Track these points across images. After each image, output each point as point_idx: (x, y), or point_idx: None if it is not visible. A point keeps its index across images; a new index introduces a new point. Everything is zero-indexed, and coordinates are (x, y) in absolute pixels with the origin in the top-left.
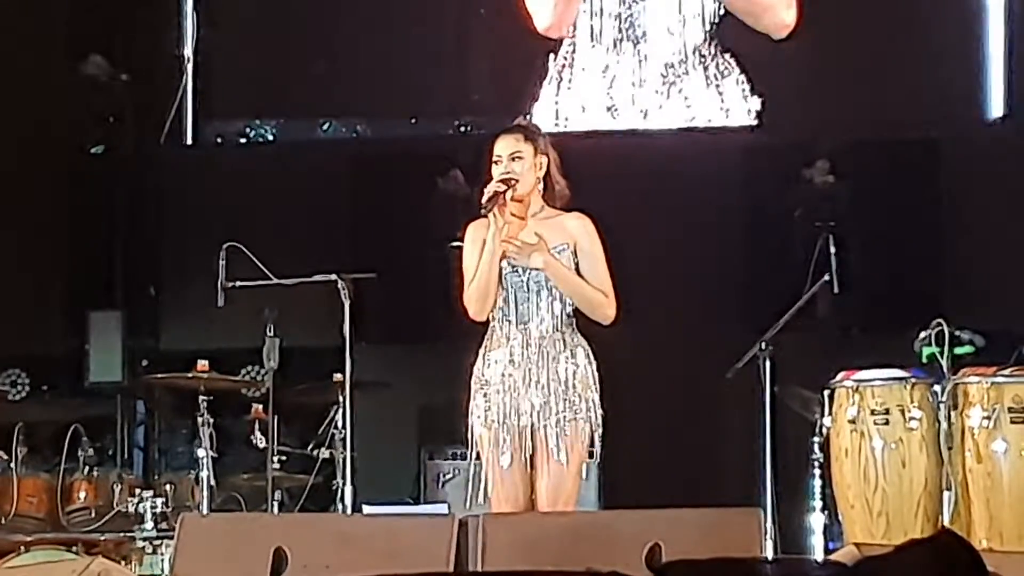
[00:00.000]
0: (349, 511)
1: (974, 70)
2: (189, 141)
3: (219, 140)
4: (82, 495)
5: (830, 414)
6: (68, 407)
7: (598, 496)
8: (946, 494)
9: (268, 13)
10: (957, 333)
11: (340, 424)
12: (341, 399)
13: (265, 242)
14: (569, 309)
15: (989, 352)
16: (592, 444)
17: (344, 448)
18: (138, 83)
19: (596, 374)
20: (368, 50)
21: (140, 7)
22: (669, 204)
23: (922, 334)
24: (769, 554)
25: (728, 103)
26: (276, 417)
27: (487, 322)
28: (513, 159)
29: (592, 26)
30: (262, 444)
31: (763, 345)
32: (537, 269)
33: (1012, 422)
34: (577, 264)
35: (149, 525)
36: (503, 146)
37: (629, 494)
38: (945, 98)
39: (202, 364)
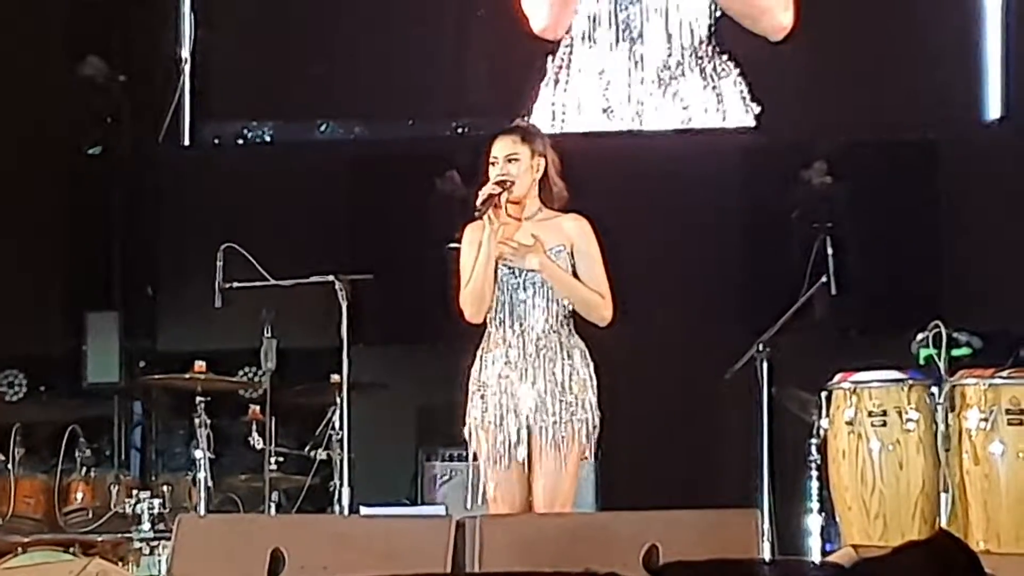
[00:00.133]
0: (346, 512)
1: (972, 72)
2: (187, 142)
3: (216, 141)
4: (79, 496)
5: (827, 415)
6: (65, 408)
7: (595, 497)
8: (943, 496)
9: (265, 15)
10: (955, 335)
11: (337, 425)
12: (338, 400)
13: (263, 243)
14: (566, 310)
15: (987, 354)
16: (589, 445)
17: (341, 449)
18: (136, 84)
19: (593, 375)
20: (365, 52)
21: (137, 8)
22: (667, 205)
23: (919, 336)
24: (766, 555)
25: (725, 105)
26: (273, 418)
27: (484, 324)
28: (509, 161)
29: (588, 28)
30: (259, 445)
31: (761, 346)
32: (533, 271)
33: (1009, 424)
34: (574, 265)
35: (146, 526)
36: (500, 148)
37: (627, 495)
38: (943, 100)
39: (199, 365)
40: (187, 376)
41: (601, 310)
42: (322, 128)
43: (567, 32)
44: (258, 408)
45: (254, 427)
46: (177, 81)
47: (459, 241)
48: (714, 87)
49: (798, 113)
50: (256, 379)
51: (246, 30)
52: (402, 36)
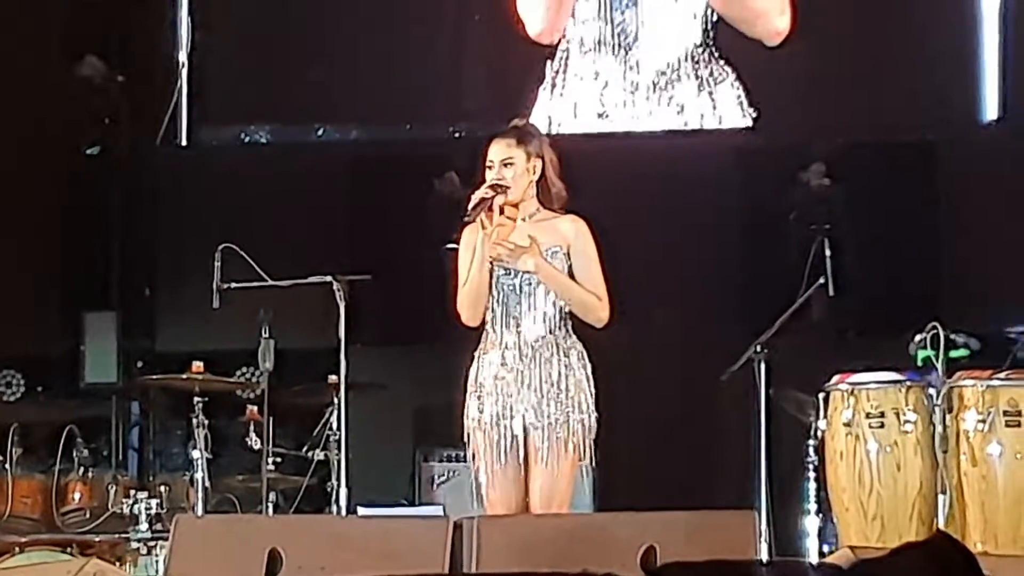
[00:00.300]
0: (344, 513)
1: (969, 73)
2: (184, 143)
3: (214, 143)
4: (77, 496)
5: (825, 417)
6: (63, 408)
7: (593, 498)
8: (941, 497)
9: (262, 19)
10: (952, 336)
11: (335, 426)
12: (336, 401)
13: (261, 243)
14: (562, 312)
15: (984, 355)
16: (586, 446)
17: (339, 450)
18: (134, 84)
19: (590, 376)
20: (362, 56)
21: (136, 9)
22: (665, 206)
23: (917, 337)
24: (764, 556)
25: (723, 107)
26: (271, 419)
27: (482, 325)
28: (505, 165)
29: (584, 32)
30: (257, 446)
31: (758, 348)
32: (529, 272)
33: (1007, 425)
34: (571, 266)
35: (144, 526)
36: (495, 151)
37: (624, 496)
38: (940, 101)
39: (197, 365)
40: (185, 376)
41: (597, 311)
42: (319, 133)
43: (563, 36)
44: (256, 408)
45: (252, 427)
46: (175, 83)
47: (457, 242)
48: (710, 92)
49: (796, 114)
50: (254, 379)
51: (243, 34)
52: (398, 41)
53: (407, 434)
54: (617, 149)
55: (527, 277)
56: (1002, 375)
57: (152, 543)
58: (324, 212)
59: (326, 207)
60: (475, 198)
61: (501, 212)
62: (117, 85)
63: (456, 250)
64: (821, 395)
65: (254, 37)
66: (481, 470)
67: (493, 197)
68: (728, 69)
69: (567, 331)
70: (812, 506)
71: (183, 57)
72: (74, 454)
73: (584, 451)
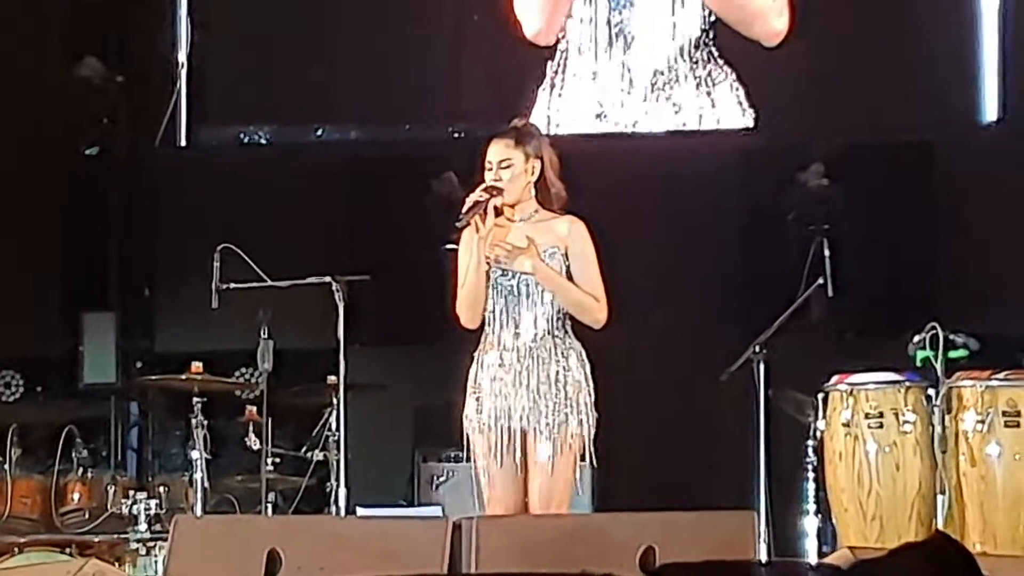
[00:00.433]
0: (343, 513)
1: (968, 73)
2: (183, 143)
3: (213, 143)
4: (76, 496)
5: (824, 417)
6: (62, 408)
7: (592, 499)
8: (940, 498)
9: (261, 19)
10: (951, 337)
11: (334, 426)
12: (335, 401)
13: (259, 244)
14: (560, 313)
15: (983, 356)
16: (585, 447)
17: (338, 450)
18: (133, 85)
19: (589, 377)
20: (361, 57)
21: (135, 9)
22: (664, 207)
23: (916, 338)
24: (763, 557)
25: (722, 107)
26: (270, 419)
27: (482, 325)
28: (502, 167)
29: (582, 32)
30: (256, 446)
31: (757, 348)
32: (526, 273)
33: (1006, 426)
34: (569, 267)
35: (143, 527)
36: (493, 152)
37: (623, 497)
38: (939, 101)
39: (196, 366)
40: (184, 377)
41: (595, 312)
42: (318, 133)
43: (561, 37)
44: (255, 409)
45: (251, 428)
46: (174, 84)
47: (456, 243)
48: (708, 92)
49: (795, 115)
50: (253, 380)
51: (242, 34)
52: (397, 41)
53: (406, 434)
54: (616, 149)
55: (525, 278)
56: (1001, 375)
57: (151, 543)
58: (323, 213)
59: (325, 207)
60: (469, 201)
61: (498, 214)
62: (116, 85)
63: (455, 251)
64: (820, 395)
65: (253, 37)
66: (480, 470)
67: (487, 200)
68: (727, 69)
69: (566, 332)
70: (811, 506)
71: (182, 57)
72: (73, 454)
73: (583, 451)
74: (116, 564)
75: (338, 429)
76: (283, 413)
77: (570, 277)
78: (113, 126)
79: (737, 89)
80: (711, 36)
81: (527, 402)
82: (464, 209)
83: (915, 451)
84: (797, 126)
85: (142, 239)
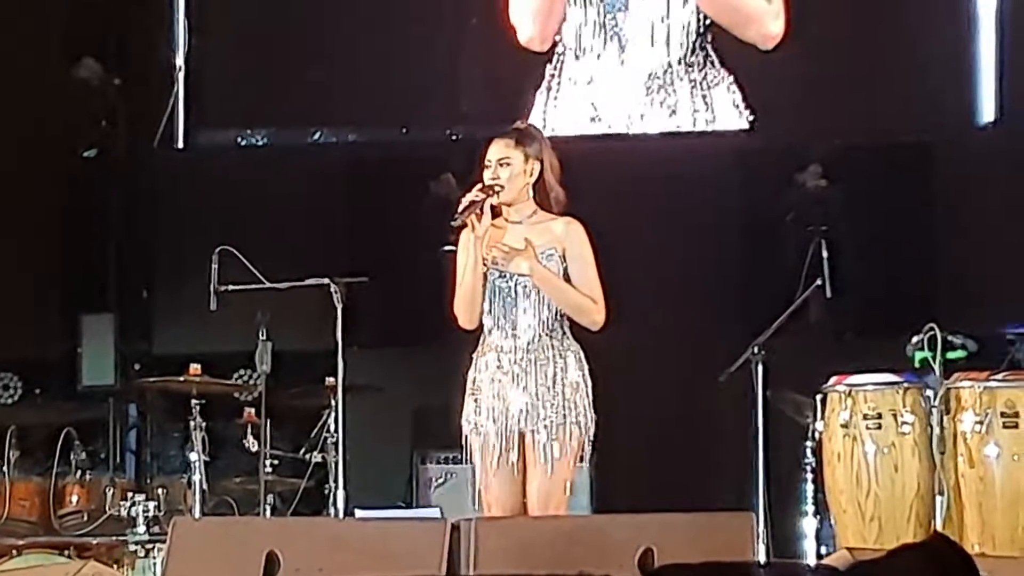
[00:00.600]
0: (341, 515)
1: (965, 75)
2: (181, 145)
3: (211, 146)
4: (74, 499)
5: (823, 418)
6: (60, 410)
7: (590, 500)
8: (938, 499)
9: (259, 21)
10: (950, 338)
11: (332, 428)
12: (333, 403)
13: (258, 246)
14: (558, 314)
15: (982, 357)
16: (583, 448)
17: (336, 452)
18: (131, 87)
19: (588, 378)
20: (359, 59)
21: (133, 11)
22: (662, 209)
23: (915, 339)
24: (761, 558)
25: (719, 109)
26: (268, 421)
27: (480, 326)
28: (501, 164)
29: (578, 36)
30: (254, 448)
31: (756, 349)
32: (523, 275)
33: (1004, 427)
34: (566, 269)
35: (141, 529)
36: (494, 151)
37: (622, 498)
38: (937, 103)
39: (194, 368)
40: (182, 379)
41: (592, 314)
42: (316, 136)
43: (556, 43)
44: (253, 411)
45: (249, 430)
46: (173, 86)
47: (455, 244)
48: (704, 96)
49: (793, 116)
50: (251, 382)
51: (240, 36)
52: (396, 44)
53: (405, 436)
54: (614, 151)
55: (522, 279)
56: (999, 376)
57: (150, 545)
58: (321, 214)
59: (323, 209)
60: (465, 200)
61: (495, 214)
62: (114, 87)
63: (454, 252)
64: (819, 396)
65: (251, 40)
66: (478, 472)
67: (484, 199)
68: (724, 72)
69: (564, 333)
70: (810, 507)
71: (180, 60)
72: (71, 456)
73: (581, 453)
74: (115, 566)
75: (336, 431)
76: (281, 415)
77: (568, 279)
78: (111, 128)
79: (734, 91)
80: (708, 38)
81: (525, 404)
82: (460, 208)
83: (914, 452)
84: (795, 127)
85: (140, 241)
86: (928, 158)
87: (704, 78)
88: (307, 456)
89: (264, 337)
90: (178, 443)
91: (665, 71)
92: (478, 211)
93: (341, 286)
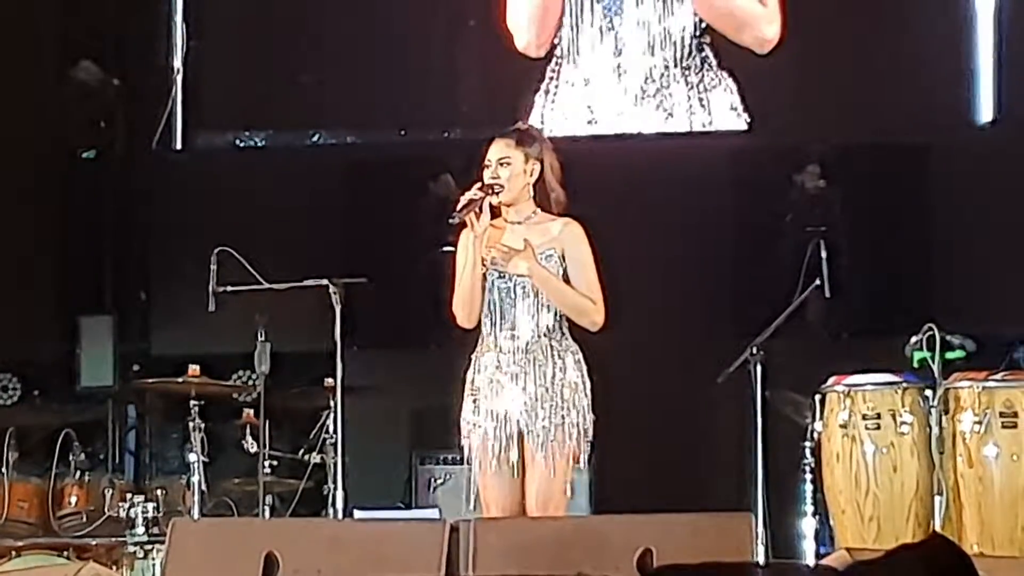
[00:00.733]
0: (340, 516)
1: (964, 75)
2: (179, 147)
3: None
4: (73, 500)
5: (821, 419)
6: (59, 412)
7: (589, 501)
8: (937, 499)
9: (257, 23)
10: (948, 338)
11: (331, 429)
12: (332, 404)
13: (256, 247)
14: (557, 315)
15: (980, 357)
16: (582, 449)
17: (335, 453)
18: (129, 89)
19: (586, 379)
20: (357, 60)
21: (131, 14)
22: (661, 209)
23: (913, 339)
24: (760, 559)
25: (717, 111)
26: (267, 422)
27: (479, 327)
28: (502, 165)
29: (575, 39)
30: (253, 449)
31: (754, 350)
32: (522, 276)
33: (1003, 427)
34: (565, 269)
35: (140, 530)
36: (494, 150)
37: (620, 499)
38: (935, 103)
39: (193, 369)
40: (181, 380)
41: (591, 315)
42: (314, 138)
43: (554, 46)
44: (252, 412)
45: (248, 431)
46: (171, 87)
47: (454, 244)
48: (701, 98)
49: (791, 117)
50: (250, 383)
51: (238, 38)
52: (394, 44)
53: (403, 437)
54: (613, 152)
55: (521, 280)
56: (998, 376)
57: (149, 546)
58: (320, 215)
59: (322, 210)
60: (465, 198)
61: (494, 214)
62: (113, 89)
63: (452, 252)
64: (817, 397)
65: (249, 42)
66: (477, 473)
67: (483, 198)
68: (722, 72)
69: (562, 334)
70: (809, 508)
71: (178, 62)
72: (70, 458)
73: (580, 454)
74: (114, 567)
75: (335, 432)
76: (280, 416)
77: (567, 279)
78: (110, 130)
79: (732, 93)
80: (706, 40)
81: (524, 404)
82: (459, 206)
83: (912, 452)
84: (793, 128)
85: (139, 242)
86: (926, 158)
87: (701, 80)
88: (306, 457)
89: (263, 338)
90: (177, 444)
91: (662, 74)
92: (477, 209)
93: (340, 287)
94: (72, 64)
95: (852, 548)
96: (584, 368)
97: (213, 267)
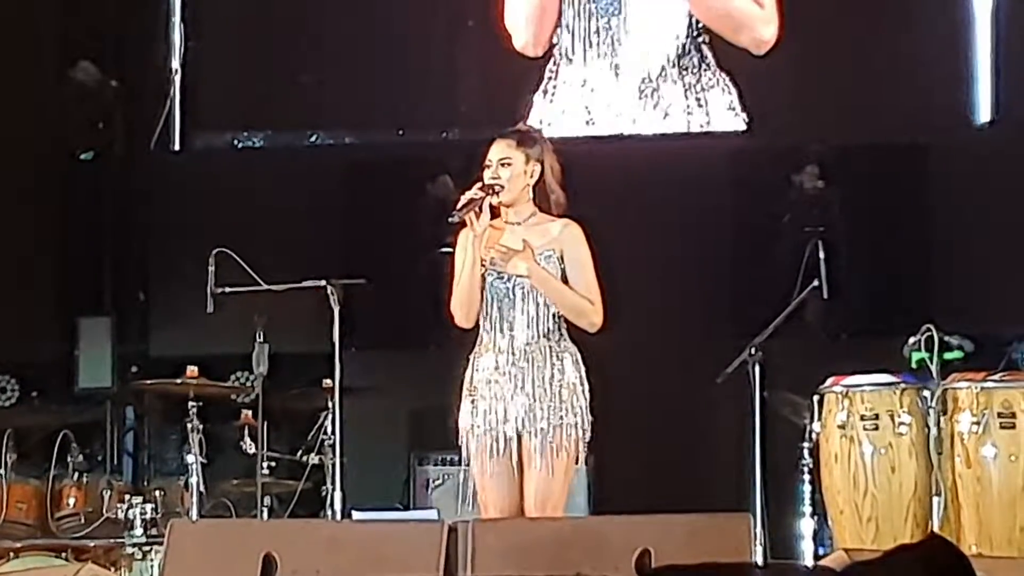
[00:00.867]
0: (338, 517)
1: (962, 75)
2: (178, 148)
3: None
4: (72, 501)
5: (820, 419)
6: (58, 413)
7: (588, 501)
8: (935, 499)
9: (255, 25)
10: (946, 338)
11: (329, 430)
12: (330, 405)
13: (255, 248)
14: (556, 315)
15: (978, 357)
16: (580, 449)
17: (333, 454)
18: (128, 90)
19: (585, 380)
20: (356, 61)
21: (130, 15)
22: (659, 210)
23: (911, 339)
24: (759, 559)
25: (714, 111)
26: (265, 423)
27: (477, 328)
28: (502, 165)
29: (572, 39)
30: (251, 450)
31: (753, 350)
32: (521, 276)
33: (1001, 427)
34: (564, 270)
35: (139, 531)
36: (495, 151)
37: (619, 499)
38: (934, 103)
39: (192, 370)
40: (179, 381)
41: (590, 316)
42: (312, 139)
43: (552, 47)
44: (250, 413)
45: (246, 432)
46: (169, 88)
47: (452, 245)
48: (698, 99)
49: (789, 117)
50: (248, 384)
51: (237, 39)
52: (393, 45)
53: (402, 438)
54: (611, 153)
55: (520, 281)
56: (996, 377)
57: (147, 548)
58: (318, 216)
59: (320, 211)
60: (465, 198)
61: (494, 215)
62: (111, 90)
63: (451, 253)
64: (815, 397)
65: (248, 42)
66: (475, 473)
67: (483, 198)
68: (721, 72)
69: (561, 335)
70: (807, 509)
71: (177, 63)
72: (69, 459)
73: (578, 455)
74: (112, 569)
75: (334, 432)
76: (279, 417)
77: (566, 280)
78: (108, 131)
79: (729, 93)
80: (703, 40)
81: (522, 405)
82: (459, 205)
83: (911, 453)
84: (791, 129)
85: (137, 243)
86: (925, 159)
87: (698, 81)
88: (304, 458)
89: (261, 339)
90: (175, 445)
91: (659, 75)
92: (477, 209)
93: (338, 288)
94: (71, 65)
95: (850, 549)
96: (582, 369)
97: (212, 268)
